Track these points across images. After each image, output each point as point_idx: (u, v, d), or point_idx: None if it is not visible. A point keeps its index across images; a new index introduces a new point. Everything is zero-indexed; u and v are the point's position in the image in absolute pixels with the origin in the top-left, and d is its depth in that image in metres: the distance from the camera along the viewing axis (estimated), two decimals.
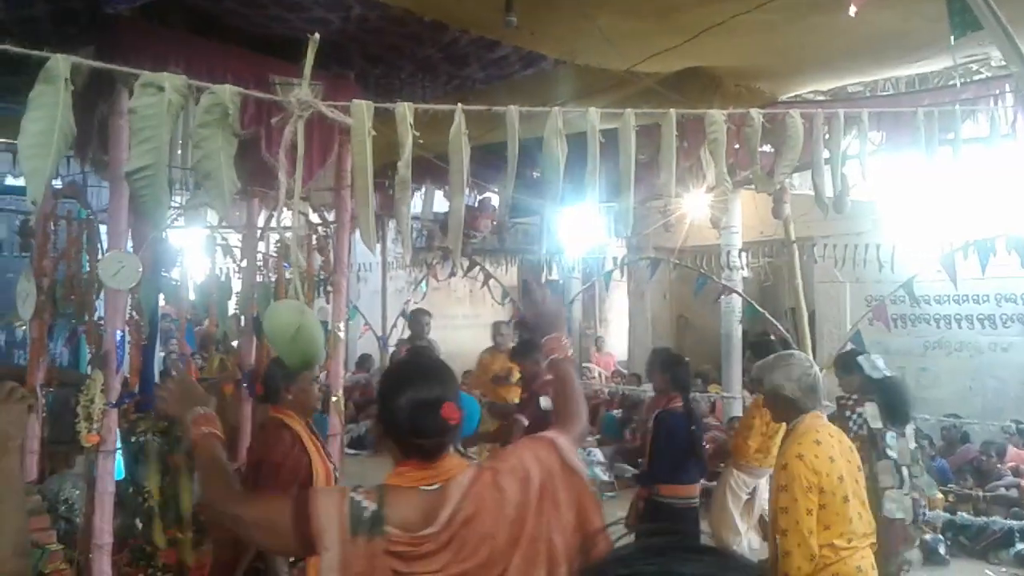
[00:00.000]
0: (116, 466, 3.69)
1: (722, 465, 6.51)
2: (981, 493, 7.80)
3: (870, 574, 3.42)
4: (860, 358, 4.99)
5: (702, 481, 5.75)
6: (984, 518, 7.28)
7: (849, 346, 6.39)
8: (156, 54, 3.85)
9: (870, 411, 4.70)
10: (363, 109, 2.74)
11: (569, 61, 5.19)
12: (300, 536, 1.92)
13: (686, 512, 5.31)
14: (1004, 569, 7.06)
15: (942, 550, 7.05)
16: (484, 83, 5.50)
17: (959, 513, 7.33)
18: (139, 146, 2.32)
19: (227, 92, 2.45)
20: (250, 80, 3.97)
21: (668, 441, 5.28)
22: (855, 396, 4.91)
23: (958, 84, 5.32)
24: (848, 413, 4.81)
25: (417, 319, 8.31)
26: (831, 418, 4.78)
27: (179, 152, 4.35)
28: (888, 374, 4.90)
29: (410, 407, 1.98)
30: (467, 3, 4.27)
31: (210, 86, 2.46)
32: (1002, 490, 7.81)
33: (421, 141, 3.24)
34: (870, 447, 4.61)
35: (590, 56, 5.13)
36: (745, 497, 6.17)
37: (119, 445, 3.74)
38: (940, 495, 7.40)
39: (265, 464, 3.68)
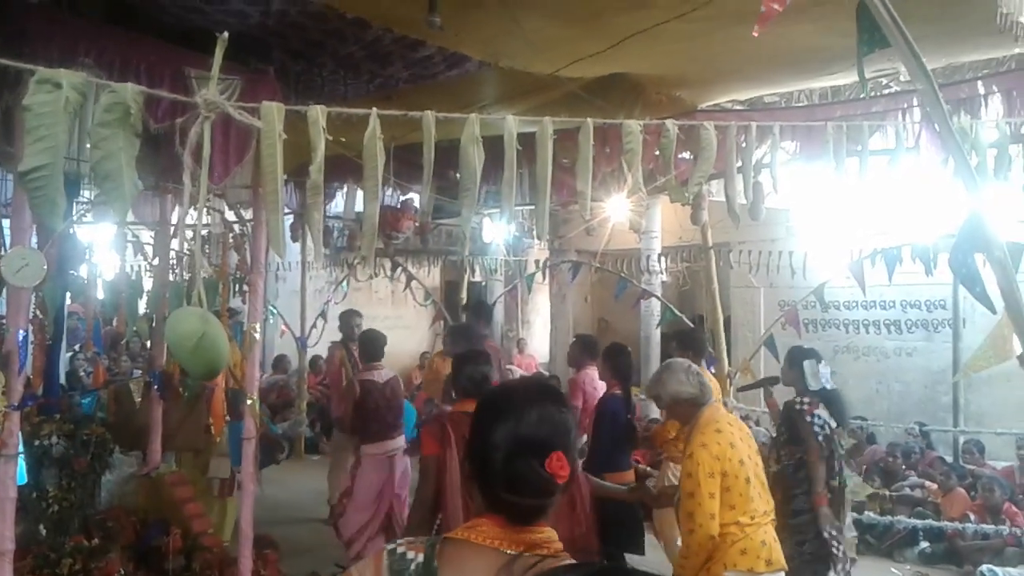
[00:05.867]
0: (19, 471, 3.55)
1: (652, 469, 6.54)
2: (887, 493, 8.06)
3: (773, 547, 3.78)
4: (807, 363, 5.12)
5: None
6: (890, 517, 7.53)
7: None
8: (66, 44, 3.70)
9: (824, 412, 5.00)
10: (273, 111, 2.60)
11: (493, 63, 5.19)
12: None
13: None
14: (908, 567, 7.31)
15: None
16: (408, 83, 5.46)
17: (866, 512, 7.56)
18: (34, 145, 2.19)
19: (129, 91, 2.32)
20: (166, 73, 3.87)
21: (611, 426, 5.54)
22: (807, 399, 5.06)
23: (861, 97, 5.49)
24: (808, 417, 4.98)
25: (347, 320, 8.21)
26: (782, 418, 5.06)
27: (88, 147, 4.20)
28: (828, 387, 5.11)
29: (507, 448, 1.54)
30: (389, 1, 4.23)
31: (111, 84, 2.35)
32: (907, 490, 8.09)
33: (343, 140, 3.18)
34: (831, 446, 4.97)
35: (515, 59, 5.14)
36: None
37: (21, 449, 3.60)
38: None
39: None
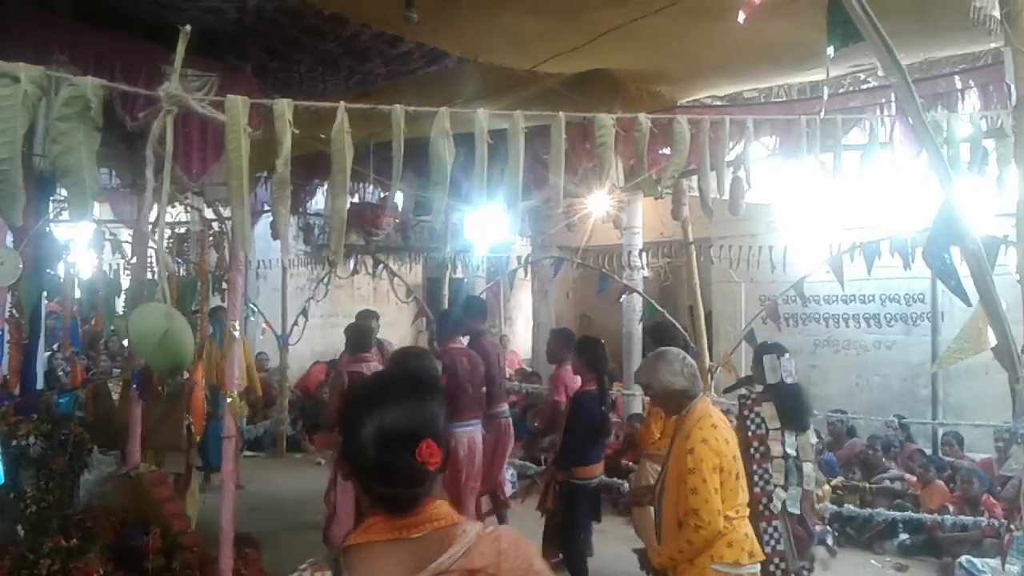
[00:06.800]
0: None
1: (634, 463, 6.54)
2: (867, 485, 8.12)
3: (753, 539, 3.82)
4: (766, 357, 5.02)
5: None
6: (869, 510, 7.58)
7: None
8: (40, 42, 3.68)
9: (767, 411, 4.87)
10: (238, 105, 2.57)
11: (472, 59, 5.19)
12: None
13: (597, 490, 5.91)
14: (888, 558, 7.37)
15: (830, 541, 7.32)
16: (387, 79, 5.44)
17: (846, 505, 7.62)
18: None
19: (89, 84, 2.30)
20: (142, 70, 3.85)
21: (584, 423, 5.64)
22: (754, 396, 4.97)
23: (825, 95, 5.50)
24: (746, 412, 4.90)
25: (363, 319, 8.18)
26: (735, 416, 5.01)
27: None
28: (788, 381, 4.95)
29: (376, 443, 1.55)
30: None
31: (70, 77, 2.33)
32: (887, 483, 8.15)
33: (322, 136, 3.17)
34: (768, 445, 4.81)
35: (493, 55, 5.14)
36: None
37: None
38: (827, 487, 7.66)
39: None
